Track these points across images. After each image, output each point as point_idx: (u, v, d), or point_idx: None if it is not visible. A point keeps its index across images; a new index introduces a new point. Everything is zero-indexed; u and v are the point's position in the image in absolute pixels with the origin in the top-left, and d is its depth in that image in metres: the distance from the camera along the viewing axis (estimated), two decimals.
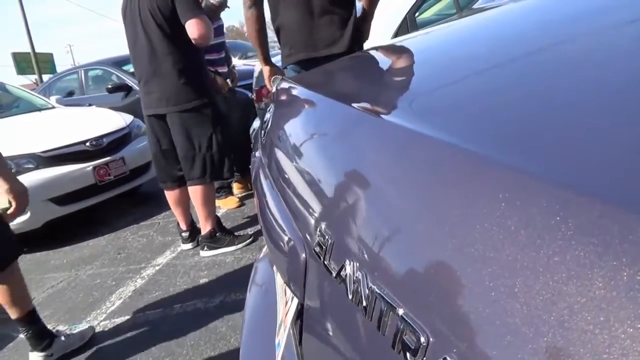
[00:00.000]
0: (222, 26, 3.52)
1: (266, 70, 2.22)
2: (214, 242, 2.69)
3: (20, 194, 1.65)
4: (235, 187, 3.66)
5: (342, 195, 0.45)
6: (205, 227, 2.68)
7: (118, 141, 3.77)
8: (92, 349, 1.96)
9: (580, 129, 0.31)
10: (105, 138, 3.67)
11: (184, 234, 2.85)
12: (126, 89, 5.38)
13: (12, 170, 1.98)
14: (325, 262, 0.42)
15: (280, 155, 0.72)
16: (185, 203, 2.77)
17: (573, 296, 0.21)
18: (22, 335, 1.88)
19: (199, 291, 2.31)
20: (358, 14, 2.10)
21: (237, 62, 5.78)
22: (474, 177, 0.31)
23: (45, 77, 13.09)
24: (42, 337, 1.85)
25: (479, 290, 0.26)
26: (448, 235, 0.30)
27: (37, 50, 17.92)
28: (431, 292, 0.29)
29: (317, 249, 0.45)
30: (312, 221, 0.49)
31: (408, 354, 0.28)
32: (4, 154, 1.68)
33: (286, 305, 0.63)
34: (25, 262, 3.04)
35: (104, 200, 3.61)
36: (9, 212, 1.64)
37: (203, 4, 3.19)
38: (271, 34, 2.27)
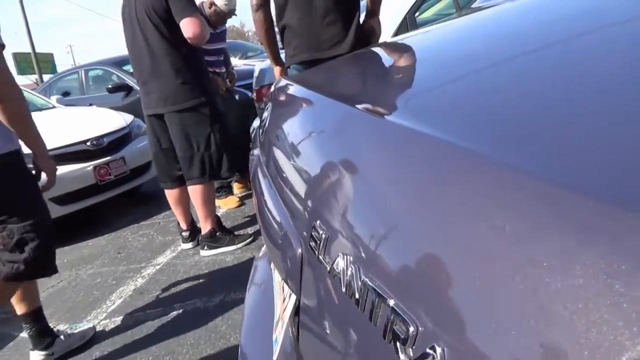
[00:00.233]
0: (225, 31, 3.48)
1: (277, 70, 2.23)
2: (214, 242, 2.69)
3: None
4: (236, 187, 3.67)
5: (337, 192, 0.46)
6: (205, 227, 2.68)
7: (118, 141, 3.78)
8: (92, 348, 1.97)
9: (577, 128, 0.31)
10: (105, 138, 3.67)
11: (184, 234, 2.86)
12: (126, 89, 5.39)
13: None
14: (320, 257, 0.43)
15: (277, 153, 0.72)
16: (185, 203, 2.78)
17: (562, 292, 0.21)
18: (23, 334, 1.88)
19: (199, 290, 2.32)
20: (363, 12, 2.11)
21: (237, 62, 5.79)
22: (470, 174, 0.31)
23: (46, 77, 13.10)
24: (44, 335, 1.86)
25: (466, 283, 0.26)
26: (439, 231, 0.31)
27: (37, 51, 17.97)
28: (421, 284, 0.30)
29: (312, 244, 0.45)
30: (308, 217, 0.50)
31: (398, 343, 0.28)
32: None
33: (284, 302, 0.64)
34: None
35: (104, 200, 3.61)
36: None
37: (212, 9, 3.19)
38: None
